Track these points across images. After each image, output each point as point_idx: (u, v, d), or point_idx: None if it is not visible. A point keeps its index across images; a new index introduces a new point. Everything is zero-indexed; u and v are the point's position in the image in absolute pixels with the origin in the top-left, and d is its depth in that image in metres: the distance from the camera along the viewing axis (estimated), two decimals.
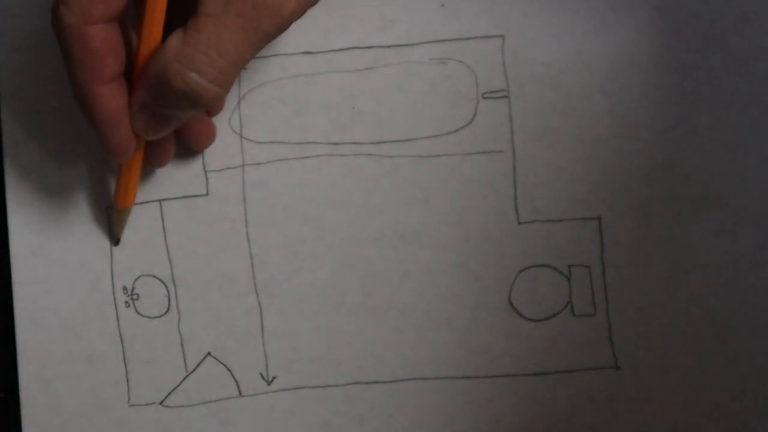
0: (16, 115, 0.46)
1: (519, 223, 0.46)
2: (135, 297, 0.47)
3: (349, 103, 0.46)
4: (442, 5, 0.46)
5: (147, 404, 0.47)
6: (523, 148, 0.46)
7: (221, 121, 0.46)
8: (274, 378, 0.47)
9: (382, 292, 0.47)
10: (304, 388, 0.47)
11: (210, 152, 0.46)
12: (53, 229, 0.46)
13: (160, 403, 0.47)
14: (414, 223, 0.46)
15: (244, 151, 0.46)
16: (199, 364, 0.47)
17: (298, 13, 0.38)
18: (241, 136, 0.46)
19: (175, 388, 0.47)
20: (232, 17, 0.37)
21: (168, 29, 0.39)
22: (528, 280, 0.46)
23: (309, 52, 0.46)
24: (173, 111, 0.40)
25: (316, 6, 0.45)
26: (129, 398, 0.47)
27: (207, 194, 0.46)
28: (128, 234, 0.46)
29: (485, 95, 0.46)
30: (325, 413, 0.47)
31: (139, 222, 0.46)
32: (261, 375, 0.47)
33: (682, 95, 0.46)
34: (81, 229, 0.46)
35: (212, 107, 0.44)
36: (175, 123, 0.41)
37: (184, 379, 0.47)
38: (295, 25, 0.45)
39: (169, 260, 0.47)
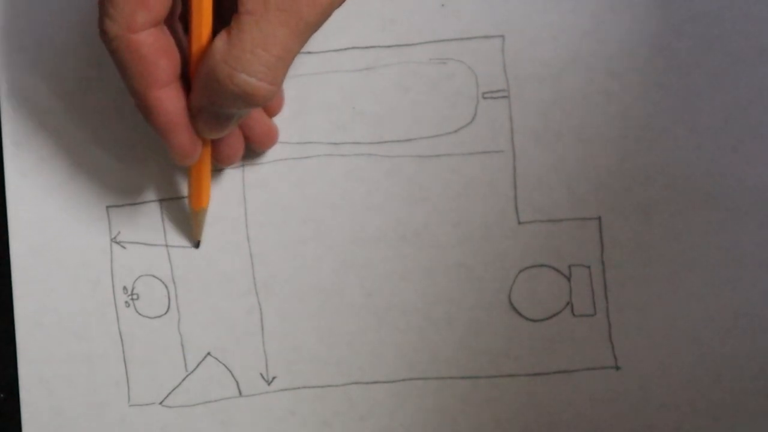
0: (17, 115, 0.46)
1: (519, 223, 0.46)
2: (135, 297, 0.47)
3: (349, 103, 0.46)
4: (443, 5, 0.46)
5: (147, 404, 0.47)
6: (523, 148, 0.46)
7: None
8: (274, 378, 0.47)
9: (382, 292, 0.47)
10: (304, 388, 0.47)
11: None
12: (53, 229, 0.46)
13: (160, 403, 0.47)
14: (414, 223, 0.46)
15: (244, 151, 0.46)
16: (199, 364, 0.47)
17: (338, 1, 0.38)
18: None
19: (175, 388, 0.47)
20: (273, 12, 0.36)
21: (215, 27, 0.39)
22: (528, 280, 0.46)
23: (309, 52, 0.46)
24: (230, 110, 0.39)
25: None
26: (129, 398, 0.47)
27: None
28: (127, 234, 0.46)
29: (485, 95, 0.46)
30: (325, 413, 0.47)
31: (139, 222, 0.46)
32: (261, 375, 0.47)
33: (682, 95, 0.46)
34: (81, 229, 0.46)
35: (267, 105, 0.44)
36: (236, 121, 0.41)
37: (184, 379, 0.47)
38: None
39: (169, 260, 0.47)
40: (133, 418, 0.47)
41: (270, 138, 0.45)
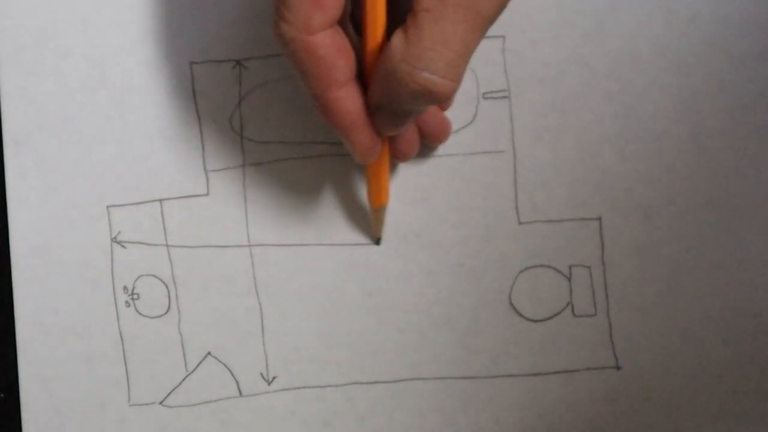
0: (17, 114, 0.46)
1: (519, 223, 0.46)
2: (135, 297, 0.47)
3: None
4: None
5: (147, 404, 0.47)
6: (523, 149, 0.46)
7: (221, 121, 0.46)
8: (274, 378, 0.47)
9: (382, 292, 0.47)
10: (304, 388, 0.47)
11: (210, 152, 0.46)
12: (54, 229, 0.46)
13: (160, 402, 0.47)
14: (415, 223, 0.46)
15: (244, 151, 0.46)
16: (199, 364, 0.47)
17: None
18: (241, 136, 0.46)
19: (175, 388, 0.47)
20: (451, 8, 0.36)
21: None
22: (528, 281, 0.46)
23: None
24: (410, 108, 0.39)
25: None
26: (129, 398, 0.47)
27: (207, 194, 0.46)
28: (128, 234, 0.46)
29: (486, 95, 0.46)
30: (325, 413, 0.47)
31: (140, 221, 0.46)
32: (261, 375, 0.47)
33: (683, 96, 0.46)
34: (81, 228, 0.46)
35: (448, 101, 0.43)
36: (414, 117, 0.40)
37: (184, 379, 0.47)
38: None
39: (170, 260, 0.47)
40: (133, 418, 0.47)
41: (444, 132, 0.45)
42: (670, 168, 0.46)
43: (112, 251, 0.47)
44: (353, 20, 0.40)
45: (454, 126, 0.46)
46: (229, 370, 0.47)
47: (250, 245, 0.47)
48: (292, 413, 0.47)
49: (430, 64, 0.36)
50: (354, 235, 0.46)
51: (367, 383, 0.47)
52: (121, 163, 0.46)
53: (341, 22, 0.38)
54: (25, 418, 0.46)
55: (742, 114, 0.46)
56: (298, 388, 0.47)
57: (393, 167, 0.46)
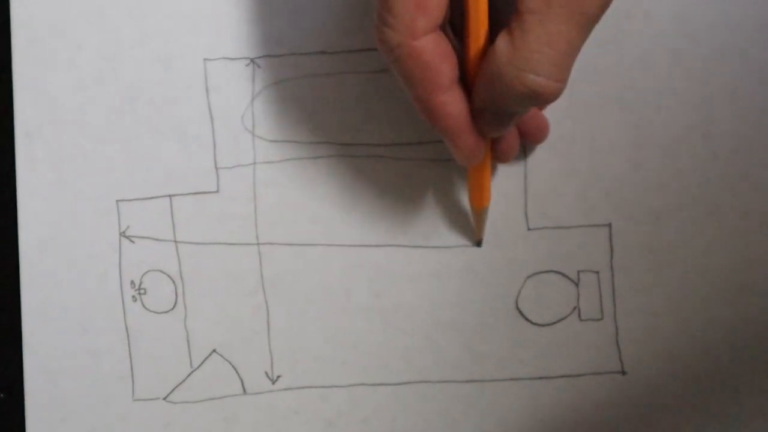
0: (29, 106, 0.46)
1: (528, 229, 0.46)
2: (142, 292, 0.46)
3: (362, 105, 0.46)
4: None
5: (151, 399, 0.47)
6: (534, 154, 0.46)
7: (233, 119, 0.46)
8: (278, 377, 0.47)
9: (389, 293, 0.47)
10: (308, 387, 0.47)
11: (221, 149, 0.46)
12: (63, 222, 0.46)
13: (164, 398, 0.47)
14: (423, 226, 0.47)
15: (255, 149, 0.46)
16: (204, 361, 0.47)
17: None
18: (253, 134, 0.46)
19: (179, 384, 0.47)
20: (556, 9, 0.36)
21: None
22: (536, 286, 0.46)
23: (325, 52, 0.46)
24: (515, 110, 0.39)
25: (333, 7, 0.46)
26: (133, 393, 0.46)
27: (217, 191, 0.46)
28: (137, 228, 0.46)
29: None
30: (329, 413, 0.47)
31: (149, 217, 0.46)
32: (266, 373, 0.47)
33: (695, 103, 0.46)
34: (90, 222, 0.46)
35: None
36: (518, 118, 0.40)
37: (188, 376, 0.47)
38: (311, 25, 0.46)
39: (178, 256, 0.47)
40: (137, 413, 0.46)
41: (543, 132, 0.45)
42: (682, 175, 0.46)
43: (120, 246, 0.46)
44: (451, 24, 0.40)
45: None
46: (233, 367, 0.47)
47: (258, 243, 0.47)
48: (295, 412, 0.47)
49: (536, 66, 0.36)
50: (362, 236, 0.47)
51: (372, 385, 0.47)
52: (131, 158, 0.46)
53: (442, 26, 0.38)
54: (29, 410, 0.46)
55: (754, 121, 0.46)
56: (303, 387, 0.47)
57: (402, 169, 0.46)
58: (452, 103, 0.39)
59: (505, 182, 0.46)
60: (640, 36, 0.46)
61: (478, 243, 0.47)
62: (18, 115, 0.46)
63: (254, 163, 0.46)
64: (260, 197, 0.47)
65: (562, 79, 0.37)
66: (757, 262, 0.46)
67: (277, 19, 0.46)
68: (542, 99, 0.37)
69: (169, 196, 0.46)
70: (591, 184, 0.46)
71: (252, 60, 0.46)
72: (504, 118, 0.40)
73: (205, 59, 0.46)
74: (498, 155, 0.44)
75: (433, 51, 0.37)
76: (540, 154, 0.46)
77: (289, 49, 0.46)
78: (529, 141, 0.46)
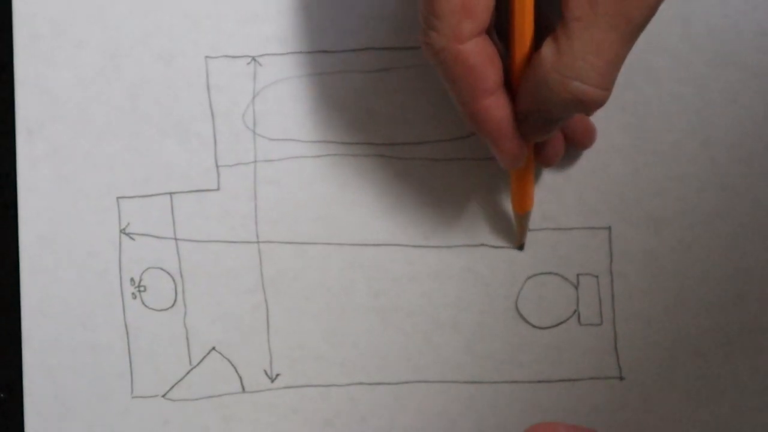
0: (31, 103, 0.46)
1: (528, 230, 0.46)
2: (142, 289, 0.47)
3: (363, 104, 0.46)
4: None
5: (150, 396, 0.47)
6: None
7: (234, 117, 0.46)
8: (277, 375, 0.47)
9: (389, 293, 0.47)
10: (307, 386, 0.47)
11: (222, 147, 0.46)
12: (63, 218, 0.46)
13: (163, 395, 0.47)
14: (423, 226, 0.46)
15: (256, 148, 0.46)
16: (203, 359, 0.47)
17: None
18: (254, 133, 0.46)
19: (178, 382, 0.47)
20: (603, 17, 0.36)
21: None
22: (535, 288, 0.46)
23: (326, 51, 0.46)
24: (559, 115, 0.39)
25: (333, 6, 0.46)
26: (132, 390, 0.47)
27: (218, 189, 0.46)
28: (137, 226, 0.47)
29: None
30: (327, 412, 0.47)
31: (149, 214, 0.46)
32: (265, 372, 0.47)
33: (696, 108, 0.46)
34: (90, 219, 0.46)
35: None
36: (562, 123, 0.40)
37: (187, 373, 0.47)
38: (312, 24, 0.46)
39: (178, 253, 0.47)
40: (136, 410, 0.47)
41: (590, 137, 0.45)
42: (681, 179, 0.46)
43: (120, 243, 0.47)
44: (497, 28, 0.40)
45: (466, 130, 0.46)
46: (233, 365, 0.47)
47: (258, 242, 0.47)
48: (294, 411, 0.47)
49: (581, 74, 0.36)
50: (362, 235, 0.46)
51: (371, 384, 0.47)
52: (132, 156, 0.46)
53: (488, 30, 0.38)
54: (28, 406, 0.46)
55: (754, 127, 0.46)
56: (302, 386, 0.47)
57: (403, 169, 0.46)
58: (497, 107, 0.39)
59: (505, 182, 0.46)
60: (640, 41, 0.45)
61: (520, 247, 0.46)
62: (19, 112, 0.46)
63: (255, 161, 0.46)
64: (261, 195, 0.47)
65: (608, 87, 0.37)
66: (756, 268, 0.46)
67: (279, 17, 0.46)
68: (587, 107, 0.37)
69: (170, 193, 0.47)
70: (591, 187, 0.46)
71: (253, 58, 0.46)
72: (548, 123, 0.40)
73: (206, 57, 0.46)
74: (543, 159, 0.44)
75: (478, 55, 0.37)
76: None
77: (291, 48, 0.46)
78: (575, 146, 0.45)
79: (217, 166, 0.46)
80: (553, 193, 0.46)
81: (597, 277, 0.46)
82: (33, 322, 0.46)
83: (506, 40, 0.40)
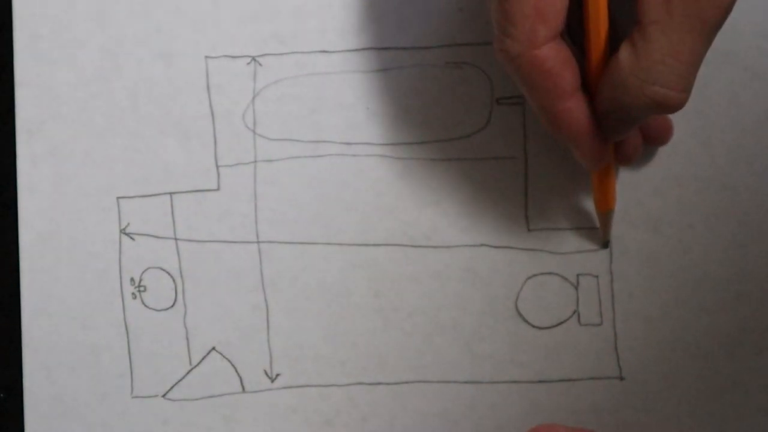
0: (31, 103, 0.46)
1: (528, 230, 0.46)
2: (142, 289, 0.47)
3: (363, 104, 0.46)
4: (460, 9, 0.46)
5: (150, 396, 0.47)
6: (535, 156, 0.46)
7: (234, 117, 0.46)
8: (277, 375, 0.47)
9: (389, 293, 0.47)
10: (307, 386, 0.47)
11: (222, 147, 0.46)
12: (63, 218, 0.46)
13: (163, 395, 0.47)
14: (424, 226, 0.46)
15: (256, 148, 0.46)
16: (203, 359, 0.47)
17: None
18: (254, 133, 0.46)
19: (178, 382, 0.47)
20: (679, 19, 0.36)
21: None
22: (535, 288, 0.46)
23: (326, 51, 0.46)
24: (638, 117, 0.39)
25: (333, 5, 0.46)
26: (132, 390, 0.47)
27: (218, 189, 0.46)
28: (137, 225, 0.47)
29: (500, 101, 0.46)
30: (327, 412, 0.47)
31: (149, 214, 0.46)
32: (265, 372, 0.47)
33: (696, 108, 0.45)
34: (91, 219, 0.46)
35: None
36: (641, 122, 0.41)
37: (187, 373, 0.47)
38: (312, 24, 0.46)
39: (178, 253, 0.47)
40: (136, 410, 0.47)
41: (667, 134, 0.45)
42: (682, 181, 0.46)
43: (120, 243, 0.47)
44: (568, 31, 0.40)
45: (467, 130, 0.46)
46: (233, 365, 0.47)
47: (258, 242, 0.47)
48: (294, 411, 0.47)
49: (660, 77, 0.36)
50: (362, 235, 0.46)
51: (371, 384, 0.47)
52: (132, 155, 0.46)
53: (561, 34, 0.38)
54: (28, 406, 0.46)
55: (755, 128, 0.46)
56: (301, 386, 0.47)
57: (403, 169, 0.46)
58: (576, 109, 0.39)
59: (505, 182, 0.46)
60: None
61: (605, 245, 0.46)
62: (19, 112, 0.46)
63: (255, 161, 0.46)
64: (261, 195, 0.47)
65: (687, 90, 0.37)
66: (756, 268, 0.46)
67: (279, 17, 0.46)
68: (667, 109, 0.37)
69: (170, 193, 0.47)
70: (591, 187, 0.46)
71: (253, 58, 0.46)
72: (627, 123, 0.40)
73: (206, 57, 0.46)
74: (621, 158, 0.44)
75: (554, 59, 0.38)
76: (541, 154, 0.46)
77: (291, 48, 0.46)
78: (653, 143, 0.45)
79: (217, 166, 0.46)
80: (554, 193, 0.46)
81: (597, 277, 0.46)
82: (33, 322, 0.46)
83: (579, 44, 0.40)
